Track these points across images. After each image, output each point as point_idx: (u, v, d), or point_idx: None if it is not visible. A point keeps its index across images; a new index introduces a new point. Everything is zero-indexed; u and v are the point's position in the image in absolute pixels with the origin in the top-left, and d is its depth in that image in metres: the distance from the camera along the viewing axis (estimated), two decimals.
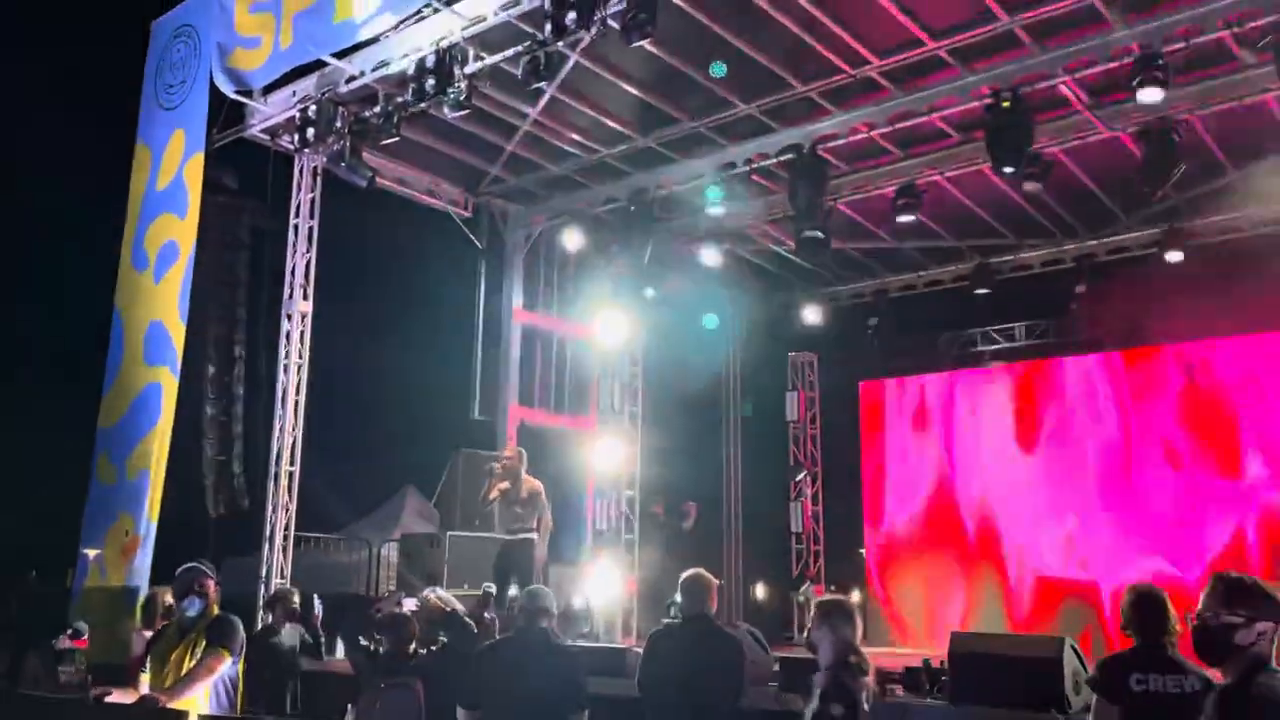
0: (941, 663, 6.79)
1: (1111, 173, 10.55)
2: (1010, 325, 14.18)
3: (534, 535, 9.68)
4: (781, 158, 10.48)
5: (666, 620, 7.80)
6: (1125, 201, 11.27)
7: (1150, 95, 8.15)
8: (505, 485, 9.85)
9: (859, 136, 10.13)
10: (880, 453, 14.51)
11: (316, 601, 7.14)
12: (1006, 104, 8.87)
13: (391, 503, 14.88)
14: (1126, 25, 8.24)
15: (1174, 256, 11.39)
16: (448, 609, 5.66)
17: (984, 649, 6.52)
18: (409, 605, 6.19)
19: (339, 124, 9.64)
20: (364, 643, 5.59)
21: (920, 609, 13.60)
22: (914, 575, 13.77)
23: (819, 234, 10.91)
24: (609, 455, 13.08)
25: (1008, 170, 9.31)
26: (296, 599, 6.95)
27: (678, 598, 5.14)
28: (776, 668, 7.31)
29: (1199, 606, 2.99)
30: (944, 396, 14.01)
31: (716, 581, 4.93)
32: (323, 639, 7.11)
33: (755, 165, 10.81)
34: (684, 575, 4.93)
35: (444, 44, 8.64)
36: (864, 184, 11.17)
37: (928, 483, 13.93)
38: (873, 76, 9.32)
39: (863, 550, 14.42)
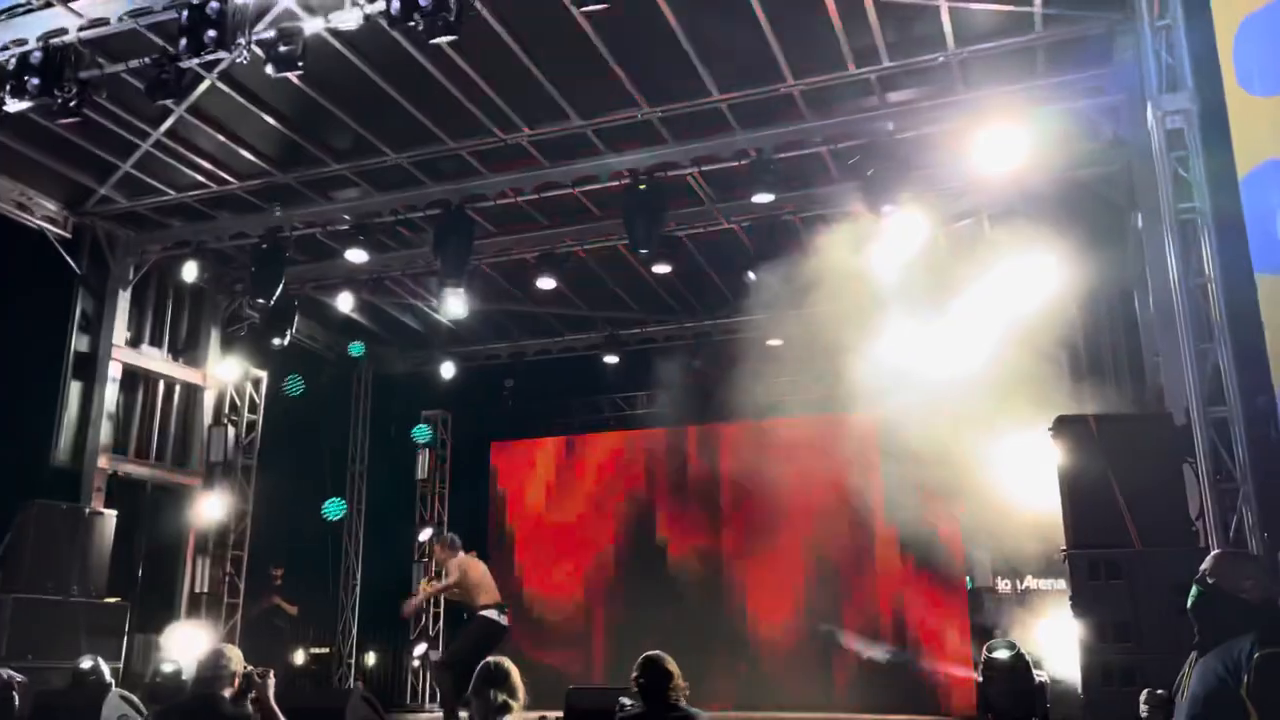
0: None
1: (727, 259, 11.66)
2: (634, 394, 15.03)
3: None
4: (429, 212, 10.45)
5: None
6: (735, 287, 12.45)
7: (762, 196, 9.27)
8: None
9: (506, 200, 10.38)
10: (508, 513, 14.63)
11: None
12: (643, 187, 9.56)
13: None
14: (744, 131, 9.26)
15: (774, 340, 12.71)
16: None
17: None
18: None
19: None
20: None
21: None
22: (534, 637, 13.92)
23: (461, 291, 10.97)
24: (215, 512, 12.01)
25: (642, 250, 9.95)
26: None
27: None
28: None
29: None
30: (573, 458, 14.47)
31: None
32: None
33: (401, 216, 10.69)
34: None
35: (55, 42, 7.68)
36: (509, 247, 11.42)
37: (555, 543, 14.23)
38: (523, 144, 9.61)
39: None
